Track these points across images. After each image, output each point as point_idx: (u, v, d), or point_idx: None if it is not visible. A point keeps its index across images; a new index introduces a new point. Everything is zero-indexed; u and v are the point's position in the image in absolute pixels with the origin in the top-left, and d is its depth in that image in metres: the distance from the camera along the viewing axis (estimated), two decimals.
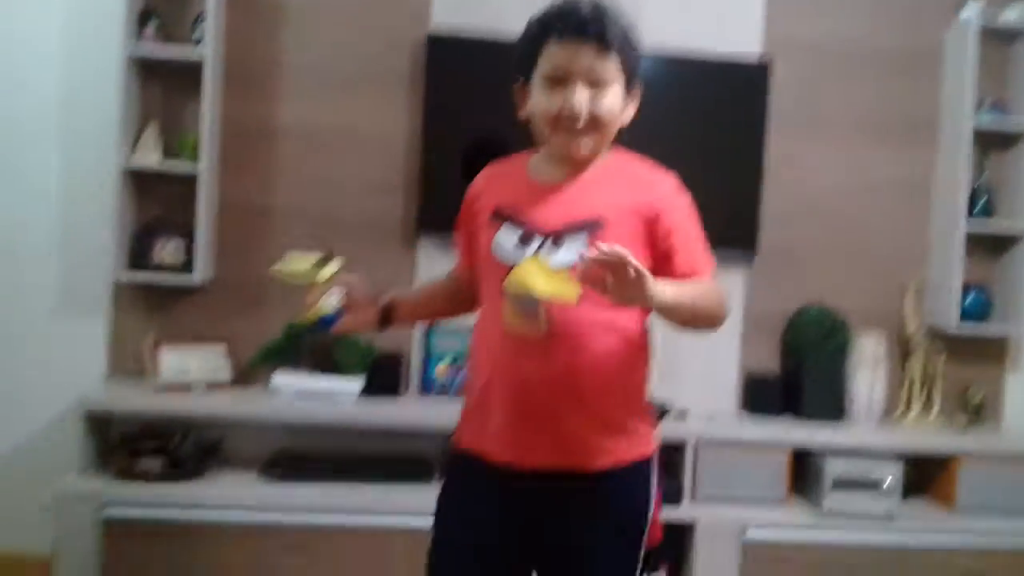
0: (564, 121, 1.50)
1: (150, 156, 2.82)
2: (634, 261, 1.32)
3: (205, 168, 2.79)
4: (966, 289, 3.10)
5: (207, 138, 2.80)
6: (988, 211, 3.17)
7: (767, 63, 3.09)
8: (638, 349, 1.58)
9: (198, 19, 2.86)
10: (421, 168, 2.96)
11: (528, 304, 1.46)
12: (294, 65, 2.99)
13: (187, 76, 2.84)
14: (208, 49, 2.78)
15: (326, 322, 1.66)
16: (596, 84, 1.49)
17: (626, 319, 1.54)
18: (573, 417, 1.52)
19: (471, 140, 2.88)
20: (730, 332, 3.11)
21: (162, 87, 2.94)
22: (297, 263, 1.64)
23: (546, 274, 1.41)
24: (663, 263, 1.53)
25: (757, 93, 3.07)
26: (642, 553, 1.58)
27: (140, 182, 2.90)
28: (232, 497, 2.57)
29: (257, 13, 2.97)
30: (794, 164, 3.15)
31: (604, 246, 1.32)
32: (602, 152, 1.58)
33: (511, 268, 1.44)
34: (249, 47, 2.97)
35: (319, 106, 2.99)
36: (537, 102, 1.53)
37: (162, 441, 2.63)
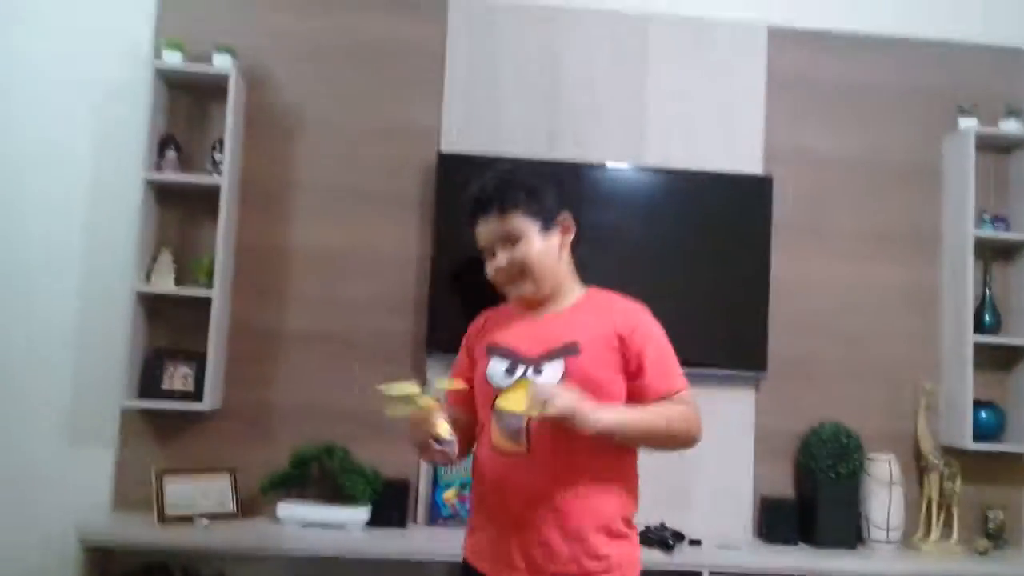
0: (500, 283, 1.81)
1: (165, 280, 2.85)
2: (568, 405, 1.55)
3: (218, 291, 2.81)
4: (978, 406, 3.07)
5: (222, 260, 2.83)
6: (995, 324, 3.16)
7: (769, 176, 3.13)
8: (617, 474, 1.74)
9: (216, 145, 2.92)
10: (430, 288, 2.98)
11: (512, 423, 1.68)
12: (307, 187, 3.05)
13: (203, 200, 2.89)
14: (226, 174, 2.84)
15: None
16: (511, 241, 1.76)
17: (605, 442, 1.66)
18: (546, 530, 1.66)
19: (478, 265, 2.91)
20: (742, 454, 3.07)
21: (179, 212, 2.99)
22: (404, 387, 1.64)
23: (525, 397, 1.61)
24: (635, 381, 1.73)
25: (761, 207, 3.11)
26: None
27: (153, 307, 2.92)
28: None
29: (272, 137, 3.05)
30: (800, 279, 3.17)
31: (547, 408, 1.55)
32: (561, 286, 1.82)
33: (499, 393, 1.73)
34: (264, 170, 3.03)
35: (331, 227, 3.04)
36: (487, 270, 1.83)
37: None
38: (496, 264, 1.78)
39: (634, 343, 1.73)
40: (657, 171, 3.10)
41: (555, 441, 1.66)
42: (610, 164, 3.07)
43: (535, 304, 1.83)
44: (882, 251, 3.23)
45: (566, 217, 1.82)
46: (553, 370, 1.70)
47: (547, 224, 1.78)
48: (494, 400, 1.73)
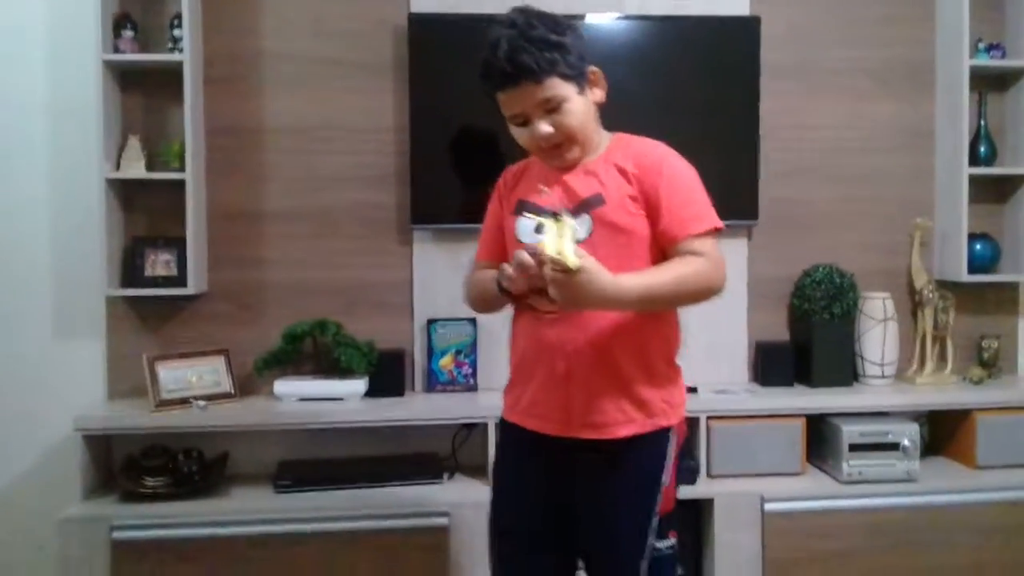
0: (543, 149, 1.70)
1: (135, 166, 2.76)
2: (559, 279, 1.47)
3: (192, 174, 2.73)
4: (973, 238, 3.04)
5: (192, 143, 2.74)
6: (991, 156, 3.10)
7: (756, 16, 3.01)
8: (656, 319, 1.70)
9: (174, 22, 2.79)
10: (411, 158, 2.89)
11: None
12: (274, 58, 2.92)
13: (167, 81, 2.78)
14: (187, 51, 2.71)
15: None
16: (551, 109, 1.65)
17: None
18: (586, 380, 1.66)
19: (459, 130, 2.85)
20: (736, 302, 3.06)
21: (143, 95, 2.87)
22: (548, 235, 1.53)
23: (558, 238, 1.51)
24: (656, 226, 1.66)
25: (748, 50, 3.00)
26: (655, 517, 1.69)
27: (127, 195, 2.85)
28: (243, 511, 2.53)
29: (233, 8, 2.90)
30: (790, 121, 3.08)
31: (521, 254, 1.51)
32: (593, 143, 1.73)
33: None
34: (227, 44, 2.89)
35: (302, 99, 2.92)
36: (517, 137, 1.73)
37: (166, 459, 2.59)
38: (540, 133, 1.65)
39: (647, 181, 1.66)
40: (639, 19, 2.97)
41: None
42: (590, 16, 2.94)
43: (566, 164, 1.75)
44: (875, 88, 3.13)
45: (595, 71, 1.72)
46: (581, 224, 1.64)
47: (582, 83, 1.68)
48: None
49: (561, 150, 1.69)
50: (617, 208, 1.65)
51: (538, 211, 1.65)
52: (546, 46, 1.61)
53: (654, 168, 1.67)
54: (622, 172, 1.68)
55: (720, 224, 1.69)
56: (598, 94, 1.73)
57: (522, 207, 1.74)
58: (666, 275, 1.59)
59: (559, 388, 1.69)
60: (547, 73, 1.61)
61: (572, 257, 1.45)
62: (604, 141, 1.76)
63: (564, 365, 1.67)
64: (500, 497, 1.85)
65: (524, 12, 1.66)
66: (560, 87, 1.63)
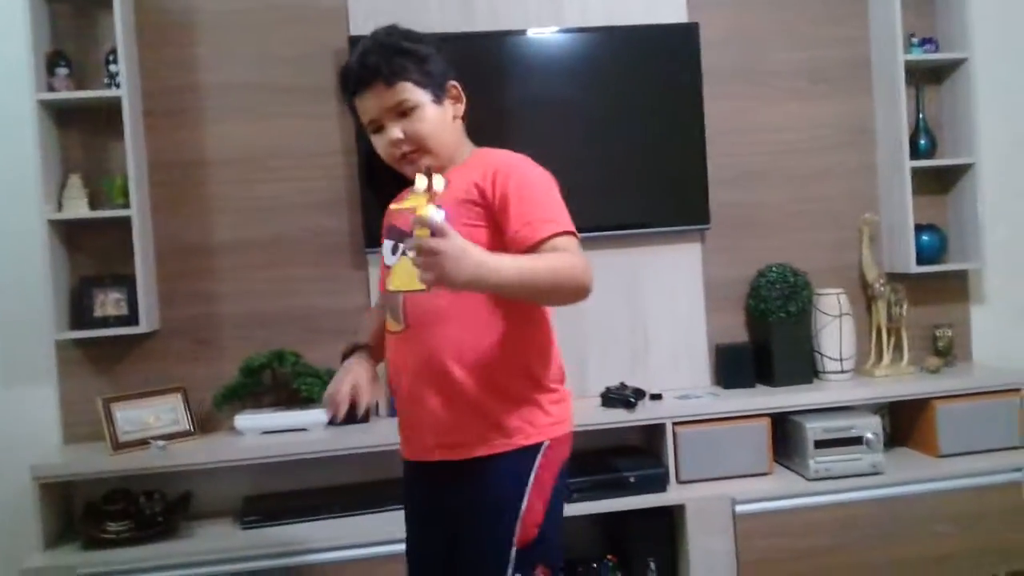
0: (396, 158, 1.65)
1: (78, 205, 2.70)
2: (429, 241, 1.32)
3: (137, 210, 2.68)
4: (920, 229, 3.10)
5: (135, 178, 2.69)
6: (931, 148, 3.16)
7: (695, 22, 3.05)
8: (511, 335, 1.59)
9: (109, 57, 2.74)
10: (360, 181, 2.87)
11: (395, 301, 1.63)
12: (214, 88, 2.88)
13: (106, 117, 2.74)
14: (124, 84, 2.67)
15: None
16: (403, 113, 1.61)
17: (477, 302, 1.56)
18: (433, 402, 1.58)
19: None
20: (693, 306, 3.09)
21: (81, 132, 2.82)
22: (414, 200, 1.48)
23: (401, 272, 1.56)
24: (505, 235, 1.55)
25: (689, 56, 3.03)
26: (511, 548, 1.56)
27: (71, 234, 2.79)
28: (210, 551, 2.47)
29: (169, 39, 2.86)
30: (735, 125, 3.12)
31: (410, 241, 1.35)
32: (449, 155, 1.67)
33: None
34: (166, 76, 2.86)
35: (245, 127, 2.89)
36: (376, 147, 1.68)
37: (127, 503, 2.52)
38: (390, 136, 1.61)
39: (495, 188, 1.55)
40: (579, 31, 2.99)
41: (427, 308, 1.58)
42: (531, 31, 2.95)
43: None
44: (815, 87, 3.19)
45: (455, 85, 1.69)
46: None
47: (438, 94, 1.64)
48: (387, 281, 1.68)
49: (414, 157, 1.62)
50: (454, 218, 1.47)
51: (399, 234, 1.64)
52: (398, 52, 1.61)
53: (503, 175, 1.57)
54: (473, 182, 1.59)
55: (575, 233, 1.56)
56: (457, 108, 1.69)
57: (389, 232, 1.71)
58: (540, 262, 1.46)
59: (411, 408, 1.64)
60: (397, 76, 1.59)
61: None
62: (465, 155, 1.70)
63: (407, 384, 1.63)
64: (407, 538, 1.77)
65: (386, 26, 1.68)
66: (412, 92, 1.60)
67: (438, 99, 1.64)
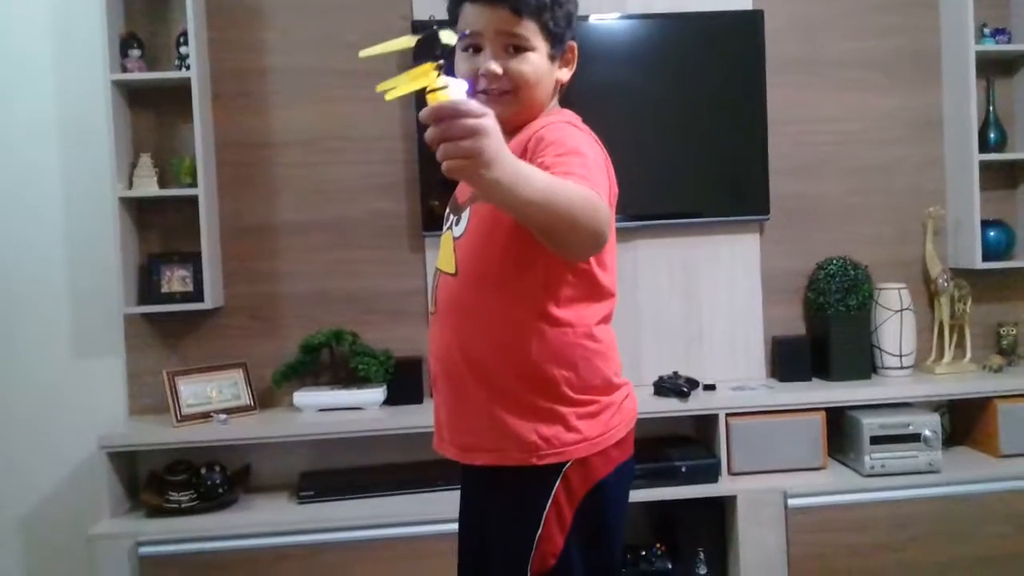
0: (480, 89, 1.43)
1: (148, 184, 2.79)
2: (466, 121, 1.07)
3: (203, 189, 2.75)
4: (986, 225, 3.03)
5: (203, 158, 2.76)
6: (1001, 141, 3.09)
7: (759, 9, 3.01)
8: (529, 335, 1.39)
9: (180, 39, 2.81)
10: (420, 166, 2.91)
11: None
12: (280, 71, 2.94)
13: (176, 98, 2.80)
14: (194, 67, 2.74)
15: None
16: (514, 48, 1.42)
17: (502, 296, 1.40)
18: (451, 394, 1.46)
19: None
20: (751, 297, 3.06)
21: (152, 113, 2.90)
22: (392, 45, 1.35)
23: (444, 246, 1.47)
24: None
25: (753, 44, 2.99)
26: (527, 572, 1.40)
27: (140, 212, 2.88)
28: (267, 523, 2.54)
29: (238, 23, 2.92)
30: (798, 114, 3.08)
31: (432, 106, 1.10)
32: (535, 112, 1.48)
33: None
34: (234, 59, 2.92)
35: (310, 110, 2.94)
36: (458, 66, 1.46)
37: (189, 473, 2.61)
38: (488, 66, 1.41)
39: (536, 154, 1.35)
40: (642, 17, 2.97)
41: (455, 298, 1.45)
42: (593, 18, 2.94)
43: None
44: (880, 78, 3.12)
45: (573, 47, 1.51)
46: (463, 222, 1.46)
47: (556, 48, 1.46)
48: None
49: (499, 97, 1.43)
50: None
51: (455, 207, 1.52)
52: None
53: (545, 138, 1.37)
54: (517, 149, 1.37)
55: (604, 200, 1.30)
56: (563, 72, 1.51)
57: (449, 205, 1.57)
58: (570, 187, 1.22)
59: (436, 396, 1.53)
60: (529, 9, 1.40)
61: (455, 84, 1.15)
62: (545, 118, 1.49)
63: (433, 371, 1.52)
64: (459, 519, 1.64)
65: None
66: (535, 33, 1.42)
67: (553, 54, 1.46)
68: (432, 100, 1.11)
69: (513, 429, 1.39)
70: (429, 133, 1.09)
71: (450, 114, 1.07)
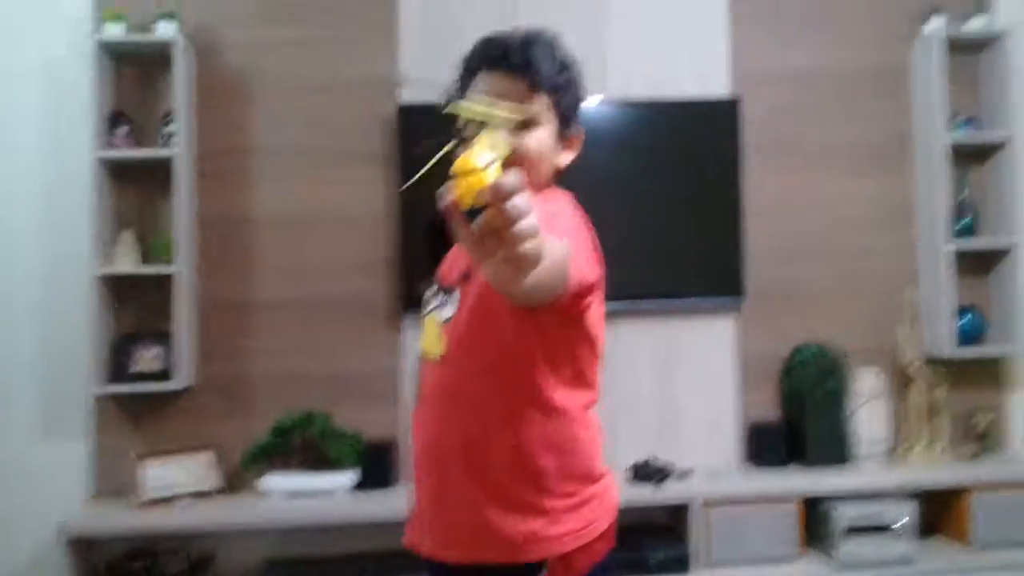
0: None
1: (128, 261, 2.78)
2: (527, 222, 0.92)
3: (182, 267, 2.75)
4: (959, 312, 3.05)
5: (183, 236, 2.77)
6: (973, 228, 3.12)
7: (737, 97, 3.06)
8: (522, 427, 1.35)
9: (167, 117, 2.83)
10: (401, 245, 2.92)
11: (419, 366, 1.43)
12: (265, 151, 2.97)
13: (160, 175, 2.82)
14: (179, 145, 2.76)
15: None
16: (523, 123, 1.39)
17: (495, 386, 1.36)
18: (435, 489, 1.39)
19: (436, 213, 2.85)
20: (726, 382, 3.06)
21: (136, 189, 2.91)
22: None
23: (428, 329, 1.39)
24: None
25: (729, 130, 3.05)
26: None
27: (118, 289, 2.86)
28: None
29: (225, 103, 2.96)
30: (774, 200, 3.12)
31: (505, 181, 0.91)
32: (531, 192, 1.37)
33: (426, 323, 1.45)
34: (219, 138, 2.95)
35: (293, 190, 2.97)
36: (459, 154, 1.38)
37: (150, 561, 2.56)
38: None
39: None
40: (622, 103, 3.02)
41: (444, 387, 1.40)
42: None
43: None
44: (855, 164, 3.17)
45: (579, 136, 1.50)
46: (452, 304, 1.40)
47: (564, 130, 1.45)
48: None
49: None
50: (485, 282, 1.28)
51: (440, 282, 1.46)
52: (563, 67, 1.44)
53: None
54: None
55: (588, 279, 1.29)
56: (566, 156, 1.49)
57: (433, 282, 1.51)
58: (552, 242, 1.12)
59: (419, 488, 1.44)
60: (546, 88, 1.40)
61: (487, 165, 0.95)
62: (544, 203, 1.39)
63: (415, 460, 1.44)
64: None
65: (556, 38, 1.47)
66: (546, 112, 1.42)
67: (561, 135, 1.46)
68: (476, 182, 0.92)
69: (499, 526, 1.35)
70: (489, 218, 0.91)
71: (516, 194, 0.91)
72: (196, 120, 2.92)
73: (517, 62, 1.39)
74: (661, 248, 3.01)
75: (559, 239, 1.20)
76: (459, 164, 0.94)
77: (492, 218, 0.91)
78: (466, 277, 1.39)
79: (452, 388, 1.39)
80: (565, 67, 1.44)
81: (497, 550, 1.35)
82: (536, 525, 1.35)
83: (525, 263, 0.94)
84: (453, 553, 1.39)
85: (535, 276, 1.04)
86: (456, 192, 0.93)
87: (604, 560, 1.43)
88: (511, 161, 1.28)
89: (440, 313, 1.43)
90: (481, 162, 0.93)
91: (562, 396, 1.38)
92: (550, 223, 1.24)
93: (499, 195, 0.90)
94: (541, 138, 1.41)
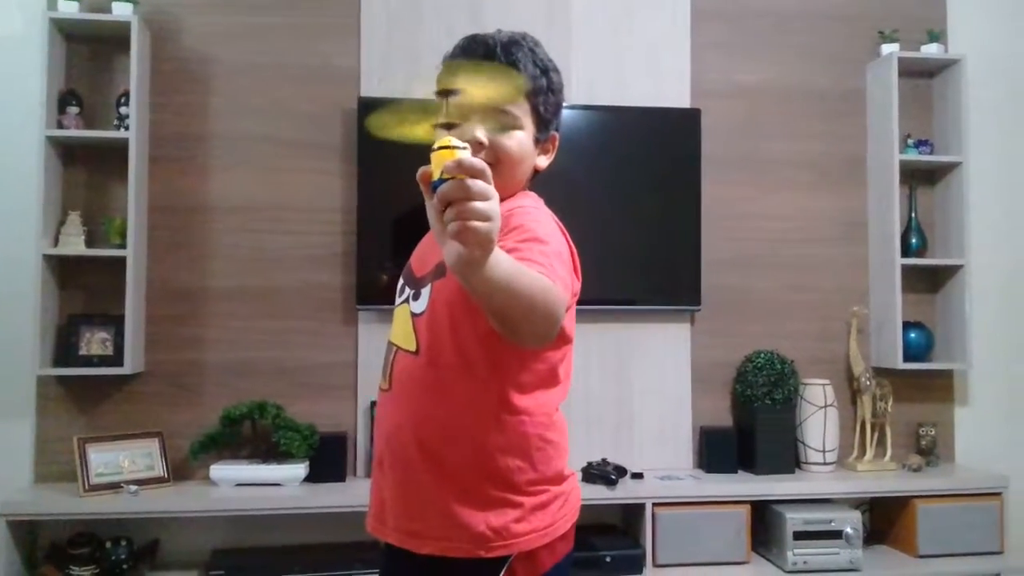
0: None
1: (74, 242, 2.71)
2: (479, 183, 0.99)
3: (132, 251, 2.70)
4: (908, 327, 3.12)
5: (135, 220, 2.71)
6: (922, 246, 3.21)
7: (697, 109, 3.11)
8: (489, 422, 1.34)
9: (120, 99, 2.79)
10: (357, 239, 2.89)
11: (388, 354, 1.43)
12: (221, 137, 2.93)
13: (112, 157, 2.76)
14: (133, 128, 2.71)
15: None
16: (501, 121, 1.39)
17: (467, 378, 1.34)
18: (400, 479, 1.38)
19: (406, 212, 2.84)
20: (680, 388, 3.09)
21: (86, 171, 2.85)
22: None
23: (399, 320, 1.39)
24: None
25: (689, 141, 3.09)
26: None
27: (65, 272, 2.79)
28: None
29: (182, 87, 2.92)
30: (732, 209, 3.17)
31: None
32: (508, 193, 1.41)
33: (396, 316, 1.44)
34: (174, 123, 2.91)
35: (249, 179, 2.93)
36: (436, 135, 1.27)
37: (93, 547, 2.48)
38: (473, 134, 1.36)
39: (500, 236, 1.18)
40: (584, 109, 3.05)
41: (414, 376, 1.38)
42: None
43: None
44: (811, 179, 3.24)
45: (556, 138, 1.51)
46: (423, 298, 1.39)
47: (541, 134, 1.46)
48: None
49: None
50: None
51: (409, 276, 1.47)
52: (544, 71, 1.44)
53: (510, 220, 1.32)
54: None
55: (560, 293, 1.24)
56: (544, 160, 1.50)
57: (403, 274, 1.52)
58: (532, 275, 1.16)
59: (378, 476, 1.43)
60: (527, 92, 1.40)
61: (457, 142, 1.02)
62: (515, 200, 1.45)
63: (380, 449, 1.43)
64: None
65: (537, 40, 1.47)
66: (525, 114, 1.42)
67: (539, 138, 1.46)
68: (448, 156, 0.99)
69: (462, 519, 1.33)
70: (447, 188, 0.98)
71: (480, 175, 0.98)
72: (152, 104, 2.87)
73: (499, 63, 1.39)
74: (619, 254, 3.03)
75: (542, 259, 1.23)
76: (438, 141, 1.02)
77: (451, 188, 0.98)
78: (439, 272, 1.38)
79: (419, 381, 1.37)
80: (546, 70, 1.44)
81: (464, 544, 1.33)
82: (501, 521, 1.34)
83: (472, 238, 0.98)
84: (420, 544, 1.37)
85: (531, 326, 1.16)
86: (431, 165, 1.01)
87: (562, 561, 1.42)
88: (492, 161, 1.35)
89: (411, 306, 1.42)
90: (457, 143, 1.01)
91: (531, 396, 1.37)
92: (531, 224, 1.31)
93: (463, 169, 0.97)
94: (521, 139, 1.42)
